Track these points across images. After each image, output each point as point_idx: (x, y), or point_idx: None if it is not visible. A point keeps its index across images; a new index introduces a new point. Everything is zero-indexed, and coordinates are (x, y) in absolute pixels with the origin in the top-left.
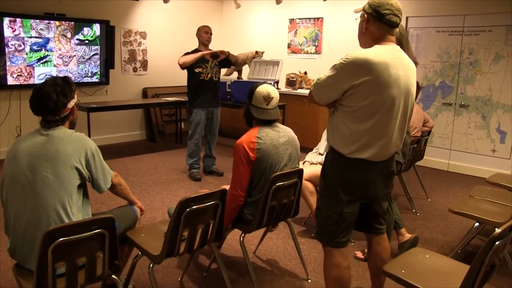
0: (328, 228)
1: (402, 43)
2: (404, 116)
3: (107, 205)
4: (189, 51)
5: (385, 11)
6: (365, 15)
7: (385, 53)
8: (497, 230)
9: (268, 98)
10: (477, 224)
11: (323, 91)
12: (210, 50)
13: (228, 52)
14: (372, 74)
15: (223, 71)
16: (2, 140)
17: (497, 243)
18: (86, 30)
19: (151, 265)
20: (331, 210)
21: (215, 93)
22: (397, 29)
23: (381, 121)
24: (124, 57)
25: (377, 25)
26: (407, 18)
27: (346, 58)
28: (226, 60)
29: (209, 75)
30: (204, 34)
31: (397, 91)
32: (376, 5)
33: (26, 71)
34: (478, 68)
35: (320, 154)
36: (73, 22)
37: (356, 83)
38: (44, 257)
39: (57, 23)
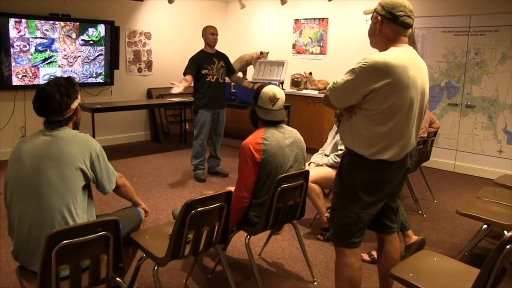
0: (344, 228)
1: (409, 43)
2: (420, 116)
3: (111, 206)
4: (196, 53)
5: (399, 13)
6: (379, 17)
7: (403, 55)
8: (508, 234)
9: (274, 99)
10: (485, 226)
11: (341, 95)
12: (216, 50)
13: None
14: (393, 76)
15: None
16: (7, 140)
17: (507, 246)
18: (91, 30)
19: (156, 267)
20: (349, 211)
21: (221, 94)
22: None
23: (401, 122)
24: (129, 58)
25: (391, 26)
26: None
27: (366, 62)
28: (229, 69)
29: (215, 77)
30: (210, 35)
31: (415, 92)
32: (390, 7)
33: (31, 71)
34: (484, 68)
35: (326, 155)
36: (78, 23)
37: (377, 86)
38: (47, 260)
39: (62, 23)
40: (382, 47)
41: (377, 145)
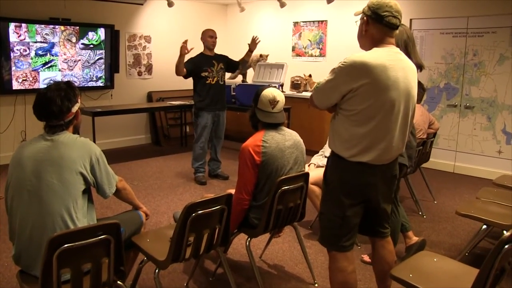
0: (331, 232)
1: (409, 46)
2: (405, 119)
3: (112, 210)
4: (193, 56)
5: (385, 13)
6: (365, 17)
7: (384, 56)
8: (506, 233)
9: (273, 102)
10: (484, 226)
11: (322, 95)
12: (215, 53)
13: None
14: (370, 77)
15: (228, 74)
16: (7, 144)
17: (506, 246)
18: (91, 34)
19: (157, 270)
20: (334, 214)
21: (221, 97)
22: (404, 32)
23: (381, 124)
24: (129, 61)
25: (376, 27)
26: (411, 20)
27: (344, 62)
28: (233, 65)
29: (215, 79)
30: (208, 38)
31: (396, 94)
32: (375, 7)
33: (31, 75)
34: (483, 69)
35: (325, 156)
36: (78, 27)
37: (355, 86)
38: (49, 264)
39: (62, 27)
40: (369, 48)
41: (356, 146)
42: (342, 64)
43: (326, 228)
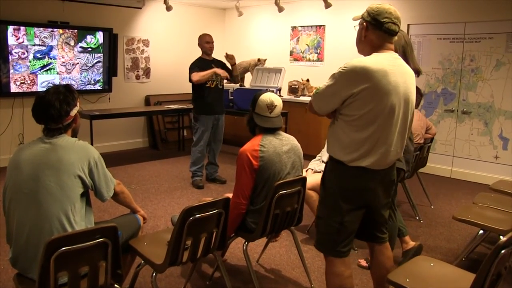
0: (328, 237)
1: (407, 51)
2: (404, 124)
3: (110, 213)
4: (195, 60)
5: (384, 20)
6: (364, 23)
7: (384, 61)
8: (503, 239)
9: (271, 106)
10: (481, 231)
11: (322, 101)
12: (213, 58)
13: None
14: (371, 81)
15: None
16: (5, 147)
17: (502, 251)
18: (89, 38)
19: (154, 274)
20: (332, 219)
21: (220, 100)
22: (402, 38)
23: (381, 129)
24: (127, 65)
25: (376, 33)
26: (408, 25)
27: (345, 67)
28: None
29: (214, 83)
30: (205, 44)
31: (396, 99)
32: (375, 14)
33: (29, 78)
34: (480, 75)
35: (323, 161)
36: (76, 30)
37: (355, 91)
38: (46, 267)
39: (61, 31)
40: (368, 54)
41: (357, 151)
42: (342, 69)
43: (324, 233)
